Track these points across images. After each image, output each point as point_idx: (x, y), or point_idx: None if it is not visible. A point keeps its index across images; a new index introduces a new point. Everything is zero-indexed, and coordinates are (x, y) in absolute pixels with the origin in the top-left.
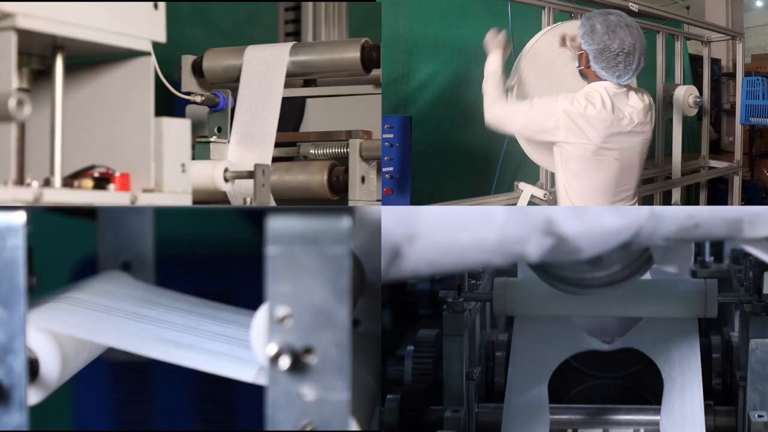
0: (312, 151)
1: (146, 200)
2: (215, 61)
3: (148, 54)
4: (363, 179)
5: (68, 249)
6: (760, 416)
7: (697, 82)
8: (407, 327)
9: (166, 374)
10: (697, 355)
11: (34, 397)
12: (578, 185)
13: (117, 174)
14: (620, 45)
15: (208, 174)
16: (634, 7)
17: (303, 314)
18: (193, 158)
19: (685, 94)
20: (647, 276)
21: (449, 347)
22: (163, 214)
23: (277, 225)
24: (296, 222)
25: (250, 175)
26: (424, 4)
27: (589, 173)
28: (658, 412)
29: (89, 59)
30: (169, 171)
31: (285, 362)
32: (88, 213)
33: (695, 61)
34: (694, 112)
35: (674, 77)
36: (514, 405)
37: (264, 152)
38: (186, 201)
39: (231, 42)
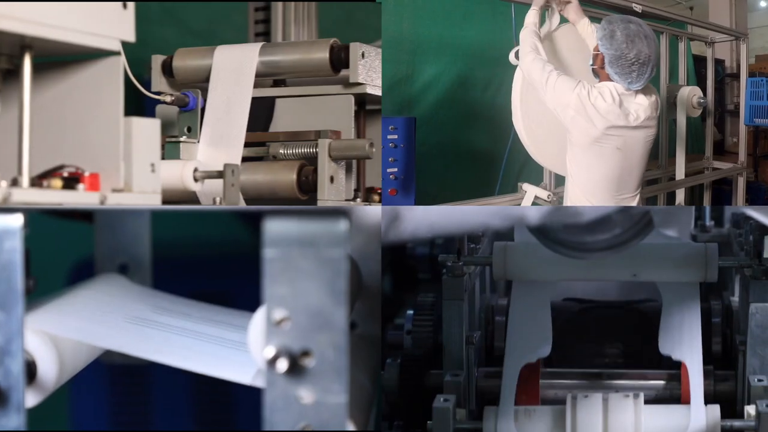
0: (281, 151)
1: (115, 200)
2: (185, 60)
3: (117, 54)
4: (332, 179)
5: (65, 251)
6: (759, 380)
7: (701, 82)
8: (407, 291)
9: (163, 377)
10: (698, 320)
11: (32, 399)
12: (581, 175)
13: (86, 174)
14: (636, 55)
15: (178, 174)
16: (638, 8)
17: (300, 317)
18: (163, 158)
19: (689, 95)
20: (648, 240)
21: (449, 311)
22: (159, 216)
23: (274, 228)
24: (293, 225)
25: (219, 174)
26: (428, 6)
27: (592, 162)
28: (657, 377)
29: (58, 59)
30: (138, 171)
31: (282, 365)
32: (85, 215)
33: (699, 62)
34: (698, 113)
35: (678, 78)
36: (512, 370)
37: (233, 152)
38: (155, 201)
39: (201, 42)
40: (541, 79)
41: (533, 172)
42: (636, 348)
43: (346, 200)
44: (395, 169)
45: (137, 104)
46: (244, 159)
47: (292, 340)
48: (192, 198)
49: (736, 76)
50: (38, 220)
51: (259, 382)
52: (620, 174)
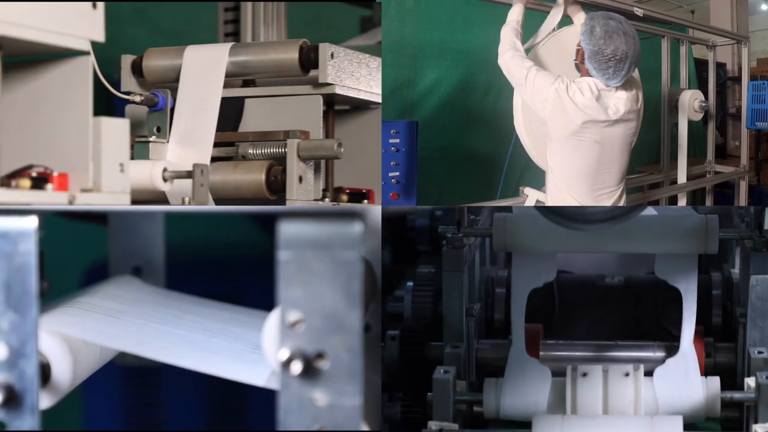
0: (250, 151)
1: (84, 200)
2: (155, 60)
3: (86, 53)
4: (300, 179)
5: (79, 254)
6: (760, 352)
7: (703, 86)
8: (406, 264)
9: (177, 378)
10: (694, 293)
11: (46, 401)
12: (560, 168)
13: (55, 174)
14: (613, 51)
15: (147, 174)
16: (639, 12)
17: (315, 319)
18: (133, 158)
19: (690, 99)
20: (648, 212)
21: (449, 283)
22: (173, 219)
23: (288, 230)
24: (308, 227)
25: (188, 174)
26: (430, 11)
27: (570, 155)
28: (657, 348)
29: (28, 58)
30: (107, 171)
31: (297, 367)
32: (99, 218)
33: (700, 65)
34: (699, 116)
35: (680, 82)
36: (520, 296)
37: (203, 152)
38: (124, 201)
39: (171, 42)
40: (520, 75)
41: (535, 176)
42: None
43: (315, 200)
44: (397, 173)
45: (107, 104)
46: (214, 159)
47: (306, 342)
48: (161, 198)
49: (738, 80)
50: (53, 222)
51: (273, 384)
52: (599, 168)
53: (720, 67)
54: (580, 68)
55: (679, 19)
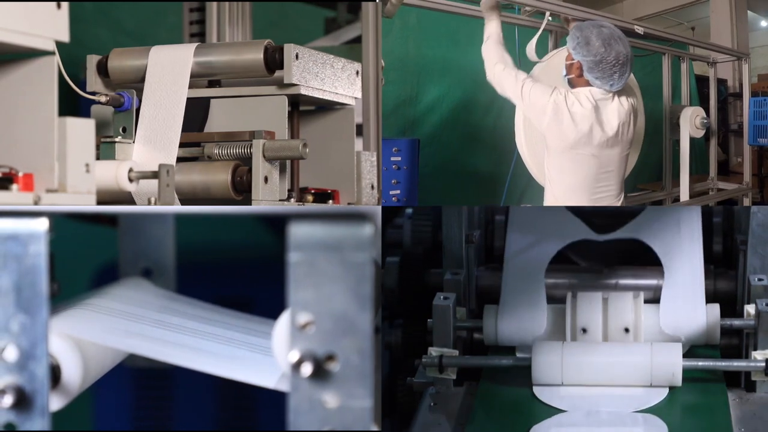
0: (216, 152)
1: (50, 200)
2: (120, 61)
3: (51, 53)
4: (266, 179)
5: (89, 256)
6: (760, 279)
7: (704, 102)
8: None
9: (187, 380)
10: (699, 222)
11: (56, 403)
12: (558, 178)
13: (20, 174)
14: (616, 57)
15: (113, 174)
16: (640, 30)
17: (325, 321)
18: (98, 158)
19: (691, 116)
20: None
21: (449, 210)
22: (183, 221)
23: (299, 232)
24: (318, 229)
25: (154, 175)
26: (433, 29)
27: (568, 167)
28: (658, 274)
29: None
30: (72, 171)
31: (307, 369)
32: (109, 220)
33: (701, 82)
34: (701, 133)
35: (681, 98)
36: (512, 267)
37: (169, 152)
38: (90, 201)
39: (136, 42)
40: (515, 88)
41: (536, 195)
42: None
43: (280, 200)
44: (398, 192)
45: (72, 104)
46: (179, 159)
47: (316, 344)
48: (127, 198)
49: (739, 96)
50: (63, 224)
51: (283, 386)
52: (597, 178)
53: (721, 83)
54: (575, 82)
55: (679, 37)
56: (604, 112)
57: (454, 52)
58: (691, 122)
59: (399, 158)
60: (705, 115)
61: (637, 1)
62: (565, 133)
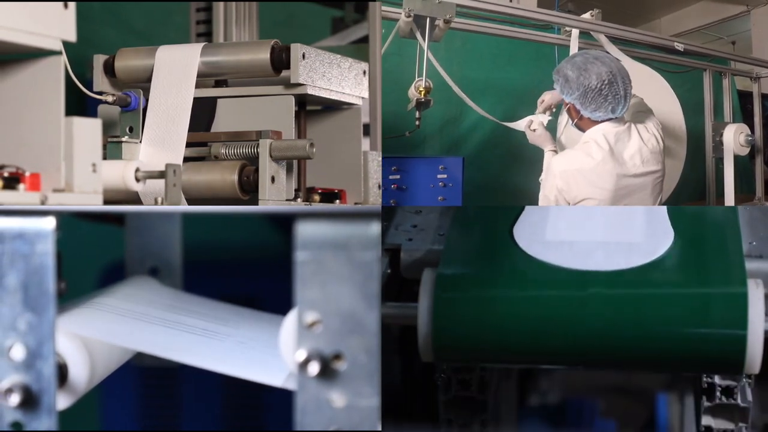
0: (223, 151)
1: (56, 200)
2: (127, 60)
3: (58, 53)
4: (273, 179)
5: (96, 254)
6: None
7: (748, 119)
8: None
9: (194, 379)
10: None
11: (63, 402)
12: None
13: (27, 174)
14: (598, 79)
15: (119, 174)
16: (680, 47)
17: (332, 320)
18: (105, 158)
19: (735, 133)
20: None
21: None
22: (190, 219)
23: (306, 230)
24: (325, 227)
25: (161, 175)
26: (476, 49)
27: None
28: None
29: None
30: (79, 171)
31: (314, 368)
32: (116, 218)
33: (744, 97)
34: (745, 151)
35: (723, 115)
36: None
37: (175, 152)
38: (97, 201)
39: (143, 42)
40: (551, 199)
41: None
42: None
43: (287, 200)
44: None
45: (79, 104)
46: (186, 159)
47: (323, 343)
48: (134, 198)
49: None
50: (70, 223)
51: (290, 385)
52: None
53: (765, 98)
54: (581, 126)
55: (719, 52)
56: (622, 153)
57: (495, 72)
58: (734, 140)
59: (445, 176)
60: (749, 132)
61: (675, 17)
62: (597, 192)
